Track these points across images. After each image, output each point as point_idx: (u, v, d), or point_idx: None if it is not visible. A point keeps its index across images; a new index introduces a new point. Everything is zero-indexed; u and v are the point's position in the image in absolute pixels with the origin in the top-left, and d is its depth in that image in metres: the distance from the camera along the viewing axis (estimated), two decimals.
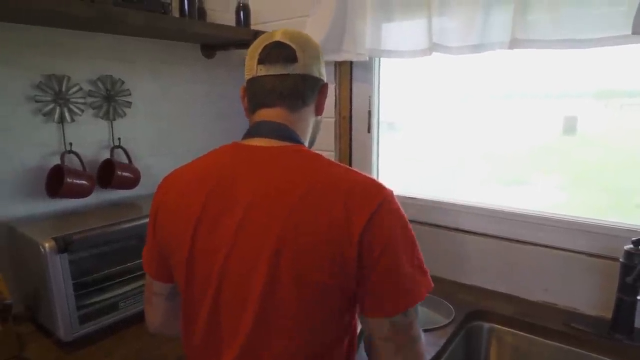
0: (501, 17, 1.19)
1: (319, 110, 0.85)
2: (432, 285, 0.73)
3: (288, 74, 0.77)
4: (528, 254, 1.35)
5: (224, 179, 0.73)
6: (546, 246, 1.32)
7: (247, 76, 0.81)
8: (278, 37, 0.78)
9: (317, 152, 0.76)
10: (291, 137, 0.77)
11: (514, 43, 1.18)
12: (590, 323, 1.21)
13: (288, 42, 0.77)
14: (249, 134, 0.79)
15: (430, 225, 1.53)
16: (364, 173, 0.74)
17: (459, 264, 1.48)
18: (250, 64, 0.79)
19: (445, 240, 1.50)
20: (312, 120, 0.84)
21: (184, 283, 0.76)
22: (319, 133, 0.91)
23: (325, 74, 0.85)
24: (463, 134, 1.54)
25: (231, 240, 0.70)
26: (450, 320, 1.24)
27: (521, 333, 1.26)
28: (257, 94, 0.79)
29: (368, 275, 0.68)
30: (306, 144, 0.82)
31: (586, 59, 1.24)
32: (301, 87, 0.78)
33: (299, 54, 0.77)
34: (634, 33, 1.00)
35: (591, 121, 1.33)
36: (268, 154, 0.74)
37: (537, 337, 1.24)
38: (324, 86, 0.84)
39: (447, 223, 1.50)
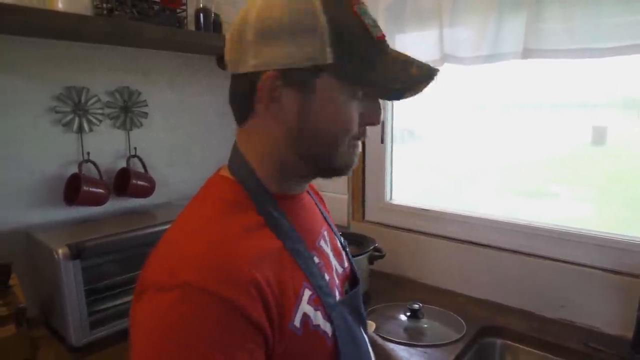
0: (513, 27, 1.18)
1: (280, 114, 0.59)
2: None
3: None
4: (544, 269, 1.31)
5: None
6: (564, 261, 1.28)
7: None
8: None
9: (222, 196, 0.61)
10: (231, 166, 0.65)
11: (526, 53, 1.16)
12: (610, 342, 1.16)
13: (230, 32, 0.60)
14: None
15: (442, 237, 1.51)
16: (194, 241, 0.53)
17: (472, 277, 1.45)
18: None
19: (457, 253, 1.47)
20: (270, 131, 0.60)
21: None
22: (327, 136, 0.59)
23: (271, 54, 0.56)
24: (483, 143, 1.52)
25: None
26: (462, 335, 1.21)
27: (536, 351, 1.22)
28: None
29: None
30: (269, 163, 0.62)
31: (614, 68, 1.21)
32: (233, 93, 0.63)
33: (226, 47, 0.61)
34: None
35: (622, 131, 1.29)
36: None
37: (553, 356, 1.19)
38: (261, 80, 0.56)
39: (460, 235, 1.47)
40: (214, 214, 0.58)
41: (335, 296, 0.65)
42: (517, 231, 1.36)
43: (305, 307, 0.57)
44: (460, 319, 1.29)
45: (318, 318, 0.59)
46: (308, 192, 0.75)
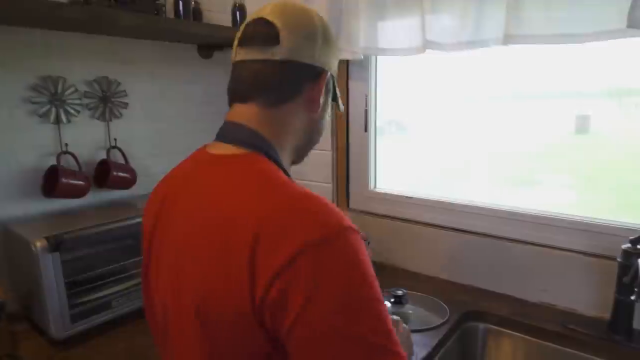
0: (494, 13, 1.17)
1: (312, 106, 0.67)
2: None
3: (268, 60, 0.62)
4: (526, 254, 1.32)
5: (170, 198, 0.66)
6: (544, 246, 1.30)
7: (232, 62, 0.68)
8: (266, 12, 0.64)
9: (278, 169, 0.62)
10: (252, 143, 0.63)
11: (507, 39, 1.16)
12: (589, 324, 1.18)
13: (273, 19, 0.63)
14: (216, 137, 0.68)
15: (426, 224, 1.52)
16: (314, 200, 0.54)
17: (456, 264, 1.46)
18: (234, 47, 0.67)
19: (441, 239, 1.48)
20: (299, 119, 0.67)
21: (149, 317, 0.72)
22: (318, 134, 0.74)
23: (329, 59, 0.68)
24: (469, 133, 1.52)
25: (167, 279, 0.62)
26: (445, 320, 1.22)
27: (518, 334, 1.24)
28: (231, 85, 0.67)
29: (284, 345, 0.51)
30: (285, 149, 0.68)
31: (598, 57, 1.22)
32: (281, 76, 0.64)
33: (282, 34, 0.62)
34: (629, 26, 0.98)
35: (604, 120, 1.30)
36: (215, 166, 0.63)
37: (534, 339, 1.21)
38: (322, 76, 0.67)
39: (443, 222, 1.48)
40: (289, 182, 0.59)
41: None
42: (500, 217, 1.37)
43: None
44: (443, 304, 1.30)
45: None
46: None
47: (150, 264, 0.68)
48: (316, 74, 0.66)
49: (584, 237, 1.24)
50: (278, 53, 0.63)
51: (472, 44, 1.22)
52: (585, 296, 1.24)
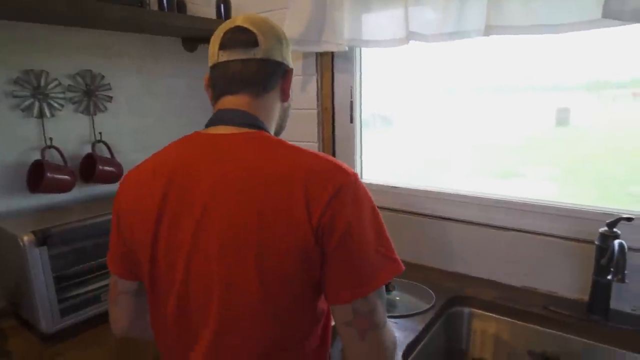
0: (476, 4, 1.20)
1: (284, 96, 0.83)
2: (401, 269, 0.72)
3: (249, 59, 0.76)
4: (509, 240, 1.36)
5: (182, 171, 0.72)
6: (526, 231, 1.34)
7: (210, 63, 0.80)
8: (239, 22, 0.77)
9: (285, 140, 0.75)
10: (253, 123, 0.76)
11: (488, 30, 1.18)
12: (569, 306, 1.22)
13: (249, 27, 0.76)
14: (211, 123, 0.77)
15: (412, 213, 1.54)
16: (328, 156, 0.73)
17: (442, 251, 1.49)
18: (212, 51, 0.78)
19: (428, 228, 1.51)
20: (277, 106, 0.83)
21: (149, 280, 0.76)
22: (286, 120, 0.89)
23: (290, 59, 0.84)
24: (452, 126, 1.54)
25: (193, 233, 0.69)
26: (431, 305, 1.26)
27: (502, 317, 1.28)
28: (219, 81, 0.78)
29: (328, 260, 0.67)
30: (272, 131, 0.82)
31: (577, 50, 1.24)
32: (263, 72, 0.77)
33: (259, 38, 0.76)
34: (604, 17, 1.01)
35: (584, 113, 1.32)
36: (228, 142, 0.73)
37: (517, 321, 1.25)
38: (289, 71, 0.83)
39: (429, 211, 1.51)
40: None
41: None
42: (483, 205, 1.41)
43: None
44: (430, 290, 1.33)
45: None
46: None
47: (161, 228, 0.72)
48: (284, 69, 0.82)
49: (564, 222, 1.28)
50: (258, 53, 0.76)
51: (454, 35, 1.25)
52: (566, 279, 1.28)
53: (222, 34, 0.77)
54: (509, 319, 1.26)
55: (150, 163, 0.78)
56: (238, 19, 0.78)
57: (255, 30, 0.76)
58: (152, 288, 0.77)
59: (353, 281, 0.68)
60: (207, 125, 0.78)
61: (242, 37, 0.76)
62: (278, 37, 0.80)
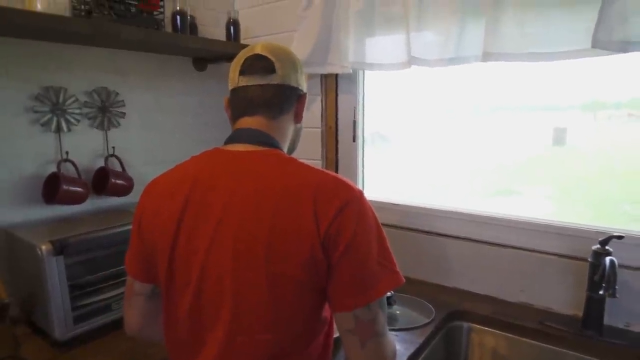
0: (474, 32, 1.26)
1: (297, 118, 0.90)
2: (401, 281, 0.77)
3: (267, 84, 0.82)
4: (505, 257, 1.41)
5: (203, 181, 0.78)
6: (522, 248, 1.38)
7: (230, 87, 0.86)
8: (258, 50, 0.83)
9: (296, 158, 0.81)
10: (269, 142, 0.81)
11: (486, 56, 1.25)
12: (564, 321, 1.26)
13: (267, 55, 0.82)
14: (230, 140, 0.84)
15: (413, 230, 1.59)
16: (335, 174, 0.78)
17: (441, 267, 1.54)
18: (233, 76, 0.85)
19: (427, 244, 1.56)
20: (291, 127, 0.89)
21: (165, 281, 0.80)
22: (299, 140, 0.96)
23: (304, 84, 0.90)
24: (450, 146, 1.58)
25: (210, 239, 0.74)
26: (431, 319, 1.29)
27: (499, 332, 1.32)
28: (238, 103, 0.85)
29: (333, 270, 0.72)
30: (285, 149, 0.87)
31: (574, 70, 1.29)
32: (279, 96, 0.83)
33: (277, 65, 0.82)
34: (593, 47, 1.08)
35: (580, 132, 1.36)
36: (246, 158, 0.79)
37: (514, 336, 1.29)
38: (303, 96, 0.89)
39: (429, 228, 1.56)
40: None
41: None
42: (480, 222, 1.46)
43: None
44: (429, 304, 1.37)
45: None
46: None
47: (181, 233, 0.77)
48: (298, 94, 0.88)
49: (558, 240, 1.32)
50: (275, 79, 0.83)
51: (454, 60, 1.31)
52: (561, 295, 1.33)
53: (242, 61, 0.84)
54: (506, 334, 1.30)
55: (175, 172, 0.84)
56: (257, 46, 0.85)
57: (273, 58, 0.83)
58: (166, 291, 0.81)
59: (355, 290, 0.73)
60: (227, 142, 0.84)
61: (260, 64, 0.82)
62: (294, 64, 0.86)
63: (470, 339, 1.36)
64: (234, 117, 0.86)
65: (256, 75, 0.82)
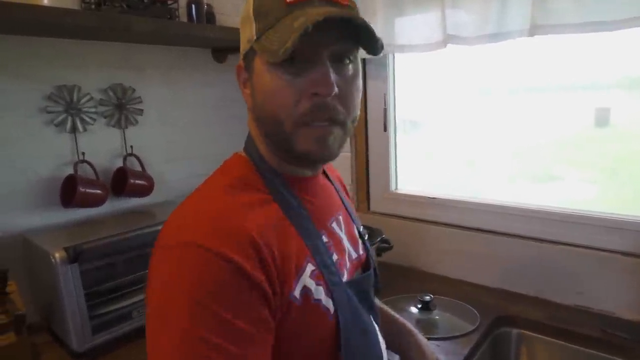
0: (519, 4, 1.12)
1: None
2: None
3: None
4: (559, 255, 1.26)
5: None
6: (579, 246, 1.24)
7: None
8: None
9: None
10: (245, 145, 0.69)
11: (534, 29, 1.11)
12: (628, 328, 1.12)
13: None
14: None
15: (451, 225, 1.47)
16: (197, 212, 0.57)
17: (483, 266, 1.40)
18: None
19: (467, 241, 1.43)
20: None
21: None
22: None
23: (241, 45, 0.64)
24: (487, 129, 1.47)
25: None
26: (475, 327, 1.17)
27: (553, 340, 1.18)
28: None
29: None
30: (262, 143, 0.65)
31: (616, 47, 1.16)
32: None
33: None
34: None
35: (624, 112, 1.24)
36: None
37: (570, 344, 1.16)
38: (238, 64, 0.65)
39: (470, 223, 1.43)
40: (226, 188, 0.61)
41: (341, 276, 0.66)
42: (528, 216, 1.32)
43: (307, 280, 0.59)
44: (473, 309, 1.25)
45: (320, 293, 0.60)
46: (328, 178, 0.79)
47: None
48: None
49: (620, 236, 1.17)
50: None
51: (496, 36, 1.18)
52: (624, 298, 1.18)
53: None
54: (561, 342, 1.16)
55: None
56: None
57: None
58: None
59: None
60: None
61: None
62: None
63: (520, 347, 1.23)
64: None
65: None
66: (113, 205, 1.41)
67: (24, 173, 1.23)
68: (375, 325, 0.73)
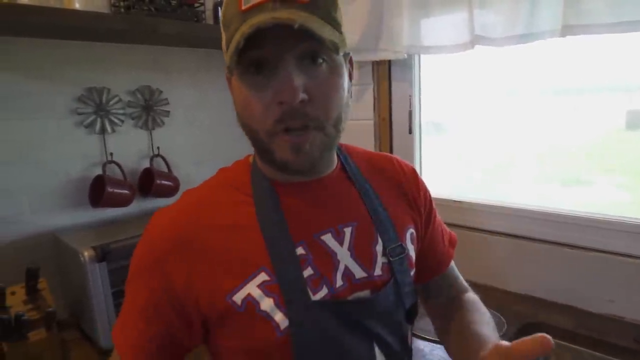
0: (550, 4, 1.09)
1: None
2: None
3: None
4: (590, 261, 1.22)
5: None
6: (611, 252, 1.20)
7: None
8: None
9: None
10: None
11: (566, 30, 1.08)
12: None
13: None
14: None
15: (477, 229, 1.43)
16: (164, 211, 0.64)
17: (510, 272, 1.37)
18: None
19: (494, 245, 1.40)
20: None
21: None
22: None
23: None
24: (514, 131, 1.44)
25: None
26: (502, 334, 1.14)
27: (584, 349, 1.14)
28: None
29: None
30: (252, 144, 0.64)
31: None
32: None
33: None
34: None
35: None
36: None
37: (603, 355, 1.11)
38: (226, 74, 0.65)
39: (496, 227, 1.40)
40: (211, 186, 0.66)
41: (313, 292, 0.59)
42: (557, 221, 1.28)
43: (252, 288, 0.57)
44: (499, 316, 1.22)
45: (268, 305, 0.57)
46: (358, 180, 0.70)
47: None
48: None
49: None
50: None
51: (525, 37, 1.15)
52: None
53: None
54: (593, 352, 1.12)
55: None
56: None
57: None
58: None
59: None
60: None
61: None
62: None
63: (549, 357, 1.19)
64: None
65: None
66: (140, 205, 1.44)
67: (56, 174, 1.27)
68: (377, 354, 0.64)
